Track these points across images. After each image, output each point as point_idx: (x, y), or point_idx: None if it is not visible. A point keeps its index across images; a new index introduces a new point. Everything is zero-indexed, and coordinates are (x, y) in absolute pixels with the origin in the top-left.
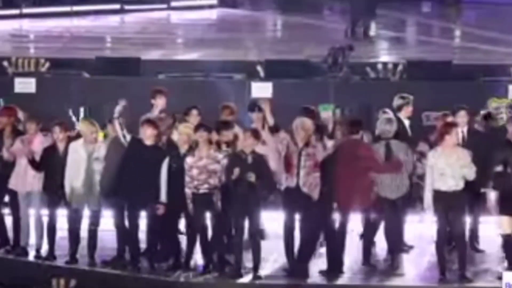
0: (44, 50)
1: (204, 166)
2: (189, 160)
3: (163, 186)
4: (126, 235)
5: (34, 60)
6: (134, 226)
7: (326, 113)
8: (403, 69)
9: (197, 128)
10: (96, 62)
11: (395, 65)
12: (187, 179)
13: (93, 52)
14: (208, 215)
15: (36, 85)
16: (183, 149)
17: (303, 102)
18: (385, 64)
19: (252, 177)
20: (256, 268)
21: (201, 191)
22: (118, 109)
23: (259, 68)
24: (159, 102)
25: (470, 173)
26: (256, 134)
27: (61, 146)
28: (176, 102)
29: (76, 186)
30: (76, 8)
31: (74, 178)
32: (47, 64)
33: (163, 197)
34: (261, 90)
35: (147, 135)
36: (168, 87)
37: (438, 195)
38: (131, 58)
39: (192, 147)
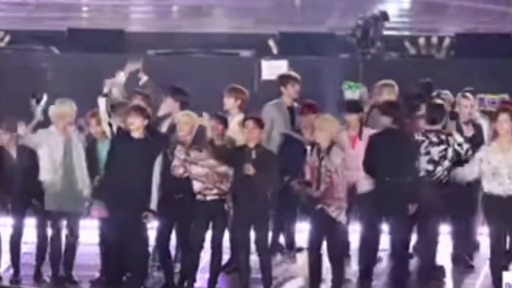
0: (3, 20)
1: (212, 167)
2: (193, 154)
3: (155, 190)
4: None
5: None
6: (120, 239)
7: (352, 93)
8: (451, 44)
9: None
10: (68, 35)
11: (441, 39)
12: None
13: (64, 22)
14: (216, 229)
15: None
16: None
17: (325, 85)
18: (428, 37)
19: (249, 169)
20: None
21: (209, 197)
22: (108, 83)
23: (271, 42)
24: (291, 92)
25: None
26: (260, 123)
27: (11, 149)
28: (168, 85)
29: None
30: None
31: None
32: (7, 38)
33: (153, 203)
34: (274, 69)
35: (136, 125)
36: (158, 67)
37: (491, 200)
38: (112, 30)
39: (195, 142)
